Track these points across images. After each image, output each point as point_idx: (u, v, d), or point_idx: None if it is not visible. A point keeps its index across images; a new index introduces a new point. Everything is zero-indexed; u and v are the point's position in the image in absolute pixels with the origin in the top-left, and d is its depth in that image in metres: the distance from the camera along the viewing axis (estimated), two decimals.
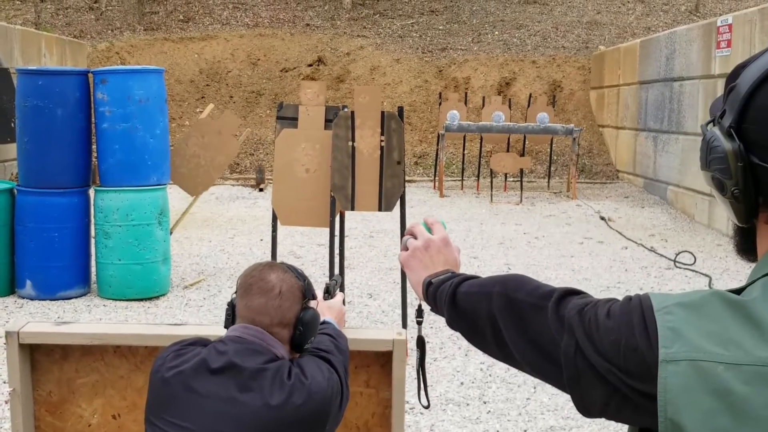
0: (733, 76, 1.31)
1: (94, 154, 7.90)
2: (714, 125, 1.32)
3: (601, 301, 1.35)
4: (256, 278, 2.39)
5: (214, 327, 2.80)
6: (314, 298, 2.47)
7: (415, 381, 2.35)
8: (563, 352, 1.32)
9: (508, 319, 1.44)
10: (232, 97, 18.95)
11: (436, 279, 1.67)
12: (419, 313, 2.08)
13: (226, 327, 2.46)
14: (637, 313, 1.25)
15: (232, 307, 2.45)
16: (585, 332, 1.30)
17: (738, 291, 1.25)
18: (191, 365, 2.31)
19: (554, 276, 8.79)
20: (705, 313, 1.21)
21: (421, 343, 2.16)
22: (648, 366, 1.21)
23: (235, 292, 2.45)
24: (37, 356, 2.90)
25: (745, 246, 1.37)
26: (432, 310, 1.71)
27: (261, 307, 2.36)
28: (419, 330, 2.15)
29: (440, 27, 21.58)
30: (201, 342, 2.42)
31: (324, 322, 2.58)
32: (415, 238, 1.82)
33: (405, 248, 1.82)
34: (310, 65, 19.59)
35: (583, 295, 1.40)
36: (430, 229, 1.84)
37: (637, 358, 1.22)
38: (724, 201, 1.32)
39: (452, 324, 1.61)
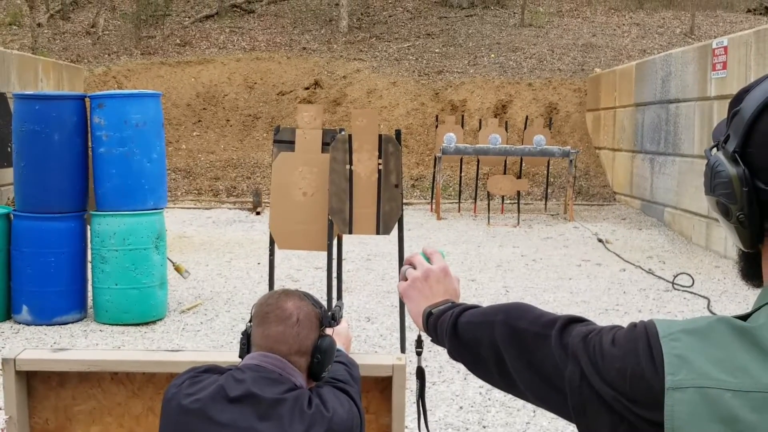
0: (736, 101, 1.31)
1: (91, 179, 7.89)
2: (718, 150, 1.31)
3: (605, 328, 1.34)
4: (272, 306, 2.36)
5: (217, 353, 2.78)
6: (330, 325, 2.45)
7: (413, 406, 2.32)
8: (568, 380, 1.31)
9: (512, 348, 1.43)
10: (228, 120, 18.98)
11: (437, 309, 1.66)
12: (419, 343, 2.06)
13: (240, 357, 2.43)
14: (643, 340, 1.24)
15: (246, 337, 2.41)
16: (590, 360, 1.29)
17: (744, 317, 1.24)
18: (209, 393, 2.26)
19: (552, 299, 8.77)
20: (711, 339, 1.20)
21: (420, 373, 2.15)
22: (655, 393, 1.20)
23: (250, 321, 2.42)
24: (33, 383, 2.87)
25: (750, 271, 1.36)
26: (432, 340, 1.69)
27: (279, 336, 2.33)
28: (419, 360, 2.13)
29: (436, 50, 21.65)
30: (215, 369, 2.38)
31: (336, 350, 2.55)
32: (414, 268, 1.80)
33: (404, 278, 1.81)
34: (307, 88, 19.64)
35: (587, 323, 1.39)
36: (428, 259, 1.82)
37: (643, 385, 1.21)
38: (729, 226, 1.31)
39: (454, 354, 1.59)
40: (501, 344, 1.45)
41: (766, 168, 1.23)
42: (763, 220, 1.26)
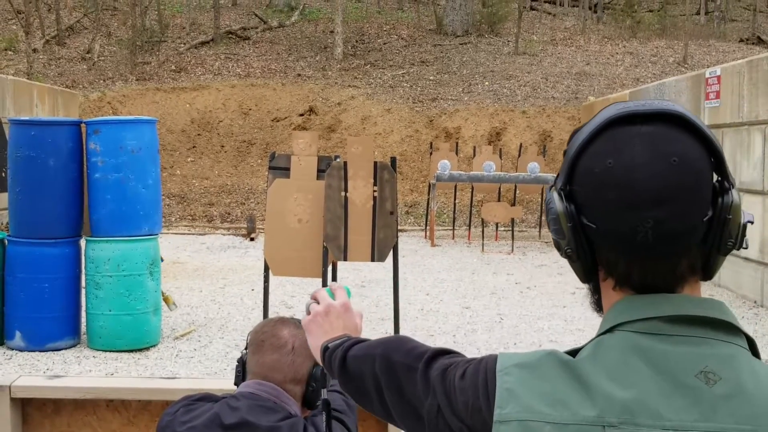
0: (569, 141, 1.36)
1: (86, 204, 7.88)
2: (552, 189, 1.37)
3: (463, 362, 1.40)
4: (268, 334, 2.36)
5: (213, 380, 2.77)
6: None
7: None
8: (426, 411, 1.38)
9: (388, 380, 1.49)
10: (223, 146, 19.01)
11: (333, 343, 1.70)
12: (317, 393, 2.12)
13: (236, 384, 2.42)
14: (482, 375, 1.32)
15: (242, 364, 2.41)
16: (445, 393, 1.36)
17: (578, 350, 1.31)
18: (203, 421, 2.26)
19: (547, 326, 8.76)
20: (539, 373, 1.26)
21: (326, 405, 2.21)
22: (488, 427, 1.26)
23: (246, 348, 2.41)
24: (28, 410, 2.86)
25: (601, 303, 1.41)
26: (329, 374, 1.74)
27: (274, 364, 2.32)
28: (323, 393, 2.19)
29: (431, 77, 21.75)
30: (210, 398, 2.38)
31: None
32: (318, 303, 1.84)
33: (308, 312, 1.85)
34: (302, 115, 19.69)
35: (452, 355, 1.45)
36: (333, 295, 1.85)
37: (480, 418, 1.28)
38: (567, 260, 1.36)
39: (343, 386, 1.64)
40: (380, 376, 1.50)
41: (588, 205, 1.28)
42: (594, 255, 1.32)
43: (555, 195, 1.33)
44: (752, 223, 1.35)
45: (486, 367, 1.32)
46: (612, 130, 1.29)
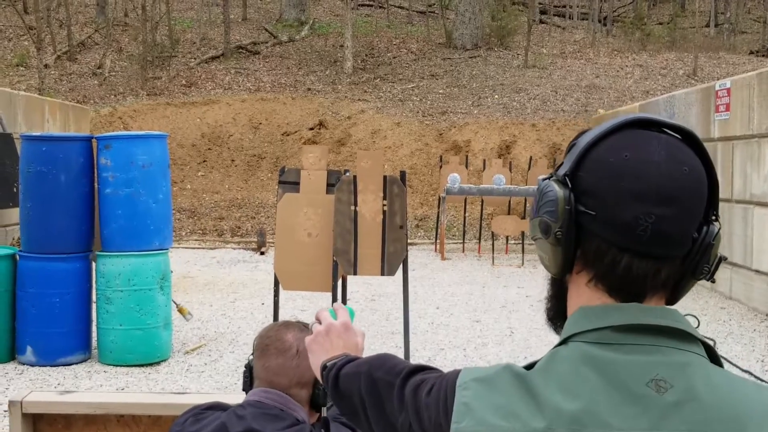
0: (576, 138, 1.40)
1: (97, 219, 7.91)
2: (550, 179, 1.39)
3: (432, 378, 1.43)
4: (272, 338, 2.38)
5: (223, 395, 2.77)
6: None
7: None
8: (400, 427, 1.43)
9: (371, 397, 1.52)
10: (233, 160, 19.05)
11: (330, 362, 1.73)
12: (324, 395, 2.16)
13: (244, 390, 2.44)
14: (444, 391, 1.35)
15: (249, 369, 2.43)
16: (415, 410, 1.40)
17: (533, 364, 1.34)
18: (210, 430, 2.27)
19: (556, 340, 8.72)
20: (495, 386, 1.29)
21: (325, 424, 2.26)
22: None
23: (252, 354, 2.43)
24: (40, 426, 2.87)
25: (560, 311, 1.42)
26: (328, 392, 1.77)
27: (279, 368, 2.34)
28: (324, 411, 2.25)
29: (440, 91, 21.78)
30: (219, 407, 2.39)
31: None
32: (320, 323, 1.87)
33: (311, 333, 1.88)
34: (312, 129, 19.74)
35: (427, 371, 1.48)
36: (336, 315, 1.89)
37: None
38: (546, 248, 1.35)
39: (336, 405, 1.68)
40: (365, 394, 1.54)
41: (593, 192, 1.30)
42: (577, 247, 1.33)
43: (553, 182, 1.35)
44: (726, 259, 1.40)
45: (447, 383, 1.35)
46: (629, 130, 1.33)
